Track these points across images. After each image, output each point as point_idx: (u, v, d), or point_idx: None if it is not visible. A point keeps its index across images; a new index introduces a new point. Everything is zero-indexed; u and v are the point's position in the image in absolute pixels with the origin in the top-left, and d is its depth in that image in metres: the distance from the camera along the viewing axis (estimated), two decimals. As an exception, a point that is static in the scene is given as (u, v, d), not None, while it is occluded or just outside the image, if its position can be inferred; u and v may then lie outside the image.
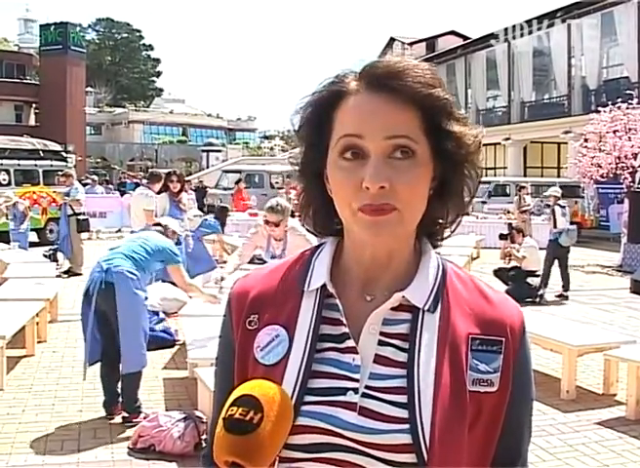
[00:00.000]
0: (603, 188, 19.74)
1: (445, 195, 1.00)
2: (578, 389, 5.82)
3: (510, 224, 11.77)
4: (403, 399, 0.95)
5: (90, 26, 73.12)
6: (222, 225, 12.40)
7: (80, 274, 11.56)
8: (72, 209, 12.07)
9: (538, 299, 10.08)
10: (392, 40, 40.62)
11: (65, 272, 11.51)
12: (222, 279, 5.58)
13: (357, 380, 0.96)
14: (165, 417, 4.63)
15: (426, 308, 0.99)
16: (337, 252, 1.05)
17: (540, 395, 5.60)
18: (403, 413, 0.94)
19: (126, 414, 4.96)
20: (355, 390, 0.96)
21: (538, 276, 10.27)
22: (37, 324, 7.06)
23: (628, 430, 5.03)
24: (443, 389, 0.95)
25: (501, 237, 11.59)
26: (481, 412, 0.97)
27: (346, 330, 0.99)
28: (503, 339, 0.99)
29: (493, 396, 0.97)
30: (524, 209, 16.17)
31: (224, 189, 21.07)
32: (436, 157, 0.97)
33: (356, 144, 0.95)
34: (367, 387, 0.96)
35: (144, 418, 4.83)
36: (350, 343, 0.98)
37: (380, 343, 0.98)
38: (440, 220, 1.04)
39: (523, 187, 17.10)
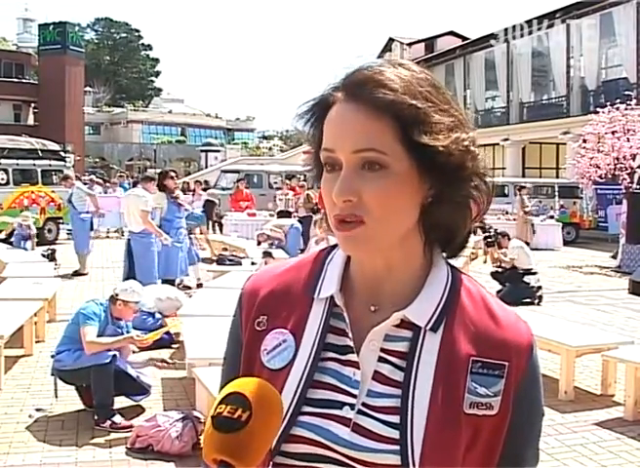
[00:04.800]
0: (601, 189, 19.76)
1: (442, 202, 0.97)
2: (576, 390, 5.82)
3: (496, 230, 11.68)
4: (396, 419, 0.94)
5: (89, 26, 73.18)
6: (209, 218, 12.76)
7: (84, 274, 11.73)
8: (75, 208, 12.13)
9: (536, 301, 10.08)
10: (391, 40, 40.61)
11: (73, 274, 11.64)
12: None
13: (355, 396, 0.96)
14: (163, 417, 4.63)
15: (428, 327, 0.97)
16: (349, 258, 1.04)
17: (538, 395, 5.61)
18: (394, 434, 0.93)
19: (96, 417, 4.92)
20: (352, 406, 0.95)
21: (534, 274, 10.28)
22: (35, 323, 7.05)
23: (626, 431, 5.04)
24: (437, 411, 0.93)
25: (487, 242, 11.47)
26: (479, 435, 0.95)
27: (350, 343, 0.98)
28: (507, 364, 0.96)
29: (492, 419, 0.95)
30: (527, 209, 16.21)
31: (223, 189, 21.05)
32: (420, 167, 0.94)
33: (331, 157, 0.95)
34: (363, 404, 0.95)
35: (112, 425, 4.83)
36: (353, 357, 0.98)
37: (380, 360, 0.97)
38: (446, 226, 0.99)
39: (523, 187, 17.09)
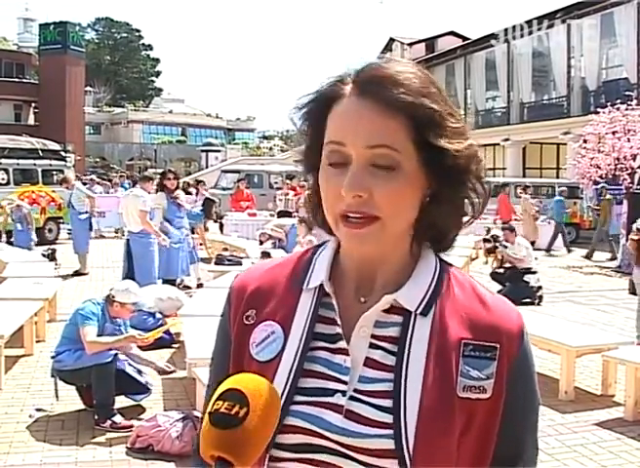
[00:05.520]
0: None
1: (442, 203, 0.98)
2: (576, 390, 5.82)
3: (493, 236, 11.60)
4: (389, 403, 0.94)
5: (89, 26, 73.23)
6: (208, 216, 12.93)
7: (85, 274, 11.77)
8: (74, 208, 12.15)
9: (537, 301, 10.08)
10: (392, 40, 40.58)
11: (73, 274, 11.66)
12: None
13: (345, 382, 0.96)
14: (163, 417, 4.63)
15: (418, 311, 0.98)
16: (337, 251, 1.05)
17: (538, 396, 5.60)
18: (387, 418, 0.93)
19: (96, 417, 4.93)
20: (343, 392, 0.96)
21: (534, 273, 10.27)
22: (36, 323, 7.05)
23: (626, 431, 5.04)
24: (430, 395, 0.94)
25: (488, 249, 11.38)
26: (473, 419, 0.95)
27: (340, 330, 0.99)
28: (498, 346, 0.97)
29: (485, 403, 0.96)
30: (536, 209, 16.31)
31: (223, 189, 21.05)
32: (427, 167, 0.95)
33: (339, 151, 0.94)
34: (355, 390, 0.96)
35: (112, 425, 4.83)
36: (342, 344, 0.98)
37: (371, 346, 0.98)
38: (441, 226, 1.01)
39: (528, 187, 17.14)
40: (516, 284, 10.00)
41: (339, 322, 0.99)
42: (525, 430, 1.02)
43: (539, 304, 10.01)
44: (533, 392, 1.03)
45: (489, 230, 12.11)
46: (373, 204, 0.93)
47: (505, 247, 10.50)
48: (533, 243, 12.48)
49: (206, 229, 14.37)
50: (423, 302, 0.99)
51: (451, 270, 1.04)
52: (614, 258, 15.63)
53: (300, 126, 1.02)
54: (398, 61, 0.97)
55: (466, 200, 1.01)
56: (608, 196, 15.92)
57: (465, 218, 1.03)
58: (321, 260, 1.05)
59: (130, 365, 5.18)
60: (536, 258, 11.29)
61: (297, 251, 1.16)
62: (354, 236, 0.95)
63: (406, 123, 0.92)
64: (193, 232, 11.50)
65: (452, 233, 1.03)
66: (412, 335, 0.97)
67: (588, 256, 15.83)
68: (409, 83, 0.93)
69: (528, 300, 9.90)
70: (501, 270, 10.56)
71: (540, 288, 10.26)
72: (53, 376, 5.14)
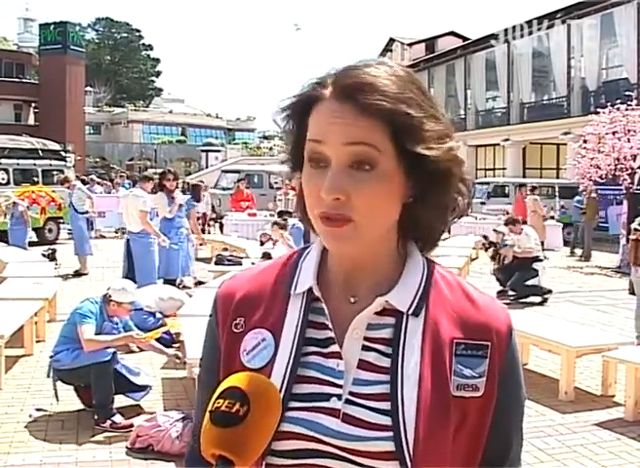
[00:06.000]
0: (602, 189, 19.72)
1: (426, 204, 0.98)
2: (576, 390, 5.81)
3: (492, 242, 11.46)
4: (386, 406, 0.94)
5: (89, 26, 73.25)
6: (197, 200, 13.02)
7: (85, 274, 11.81)
8: (75, 209, 12.14)
9: (540, 300, 10.06)
10: (392, 40, 40.60)
11: (73, 274, 11.69)
12: None
13: (340, 386, 0.96)
14: (163, 417, 4.63)
15: (410, 312, 0.98)
16: (324, 253, 1.05)
17: (538, 396, 5.61)
18: (386, 421, 0.93)
19: (96, 417, 4.93)
20: (339, 396, 0.95)
21: (541, 260, 10.26)
22: (36, 323, 7.06)
23: (626, 431, 5.03)
24: (426, 395, 0.94)
25: (492, 256, 11.30)
26: (466, 418, 0.96)
27: (331, 334, 0.99)
28: (489, 344, 0.98)
29: (478, 401, 0.96)
30: (545, 210, 16.33)
31: (223, 189, 21.05)
32: (407, 169, 0.95)
33: (318, 150, 0.94)
34: (351, 393, 0.96)
35: (112, 425, 4.83)
36: (335, 348, 0.98)
37: (364, 348, 0.98)
38: (427, 226, 1.02)
39: (535, 188, 17.10)
40: (525, 272, 9.97)
41: (330, 326, 0.99)
42: (513, 426, 1.03)
43: (540, 304, 10.00)
44: (520, 389, 1.04)
45: (486, 238, 12.09)
46: (350, 206, 0.92)
47: (506, 245, 10.45)
48: (542, 243, 12.48)
49: (205, 231, 14.20)
50: (414, 303, 0.99)
51: (437, 269, 1.04)
52: (572, 252, 16.19)
53: (284, 127, 1.02)
54: (378, 65, 0.96)
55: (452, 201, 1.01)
56: (593, 194, 15.97)
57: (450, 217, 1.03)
58: (307, 264, 1.05)
59: (127, 367, 5.18)
60: (546, 258, 11.35)
61: (281, 249, 1.16)
62: (332, 234, 0.95)
63: (384, 127, 0.92)
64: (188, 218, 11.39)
65: (436, 232, 1.04)
66: (405, 336, 0.97)
67: (587, 258, 15.85)
68: (386, 89, 0.92)
69: (531, 300, 9.89)
70: (507, 262, 10.41)
71: (550, 291, 10.21)
72: (49, 376, 5.13)
